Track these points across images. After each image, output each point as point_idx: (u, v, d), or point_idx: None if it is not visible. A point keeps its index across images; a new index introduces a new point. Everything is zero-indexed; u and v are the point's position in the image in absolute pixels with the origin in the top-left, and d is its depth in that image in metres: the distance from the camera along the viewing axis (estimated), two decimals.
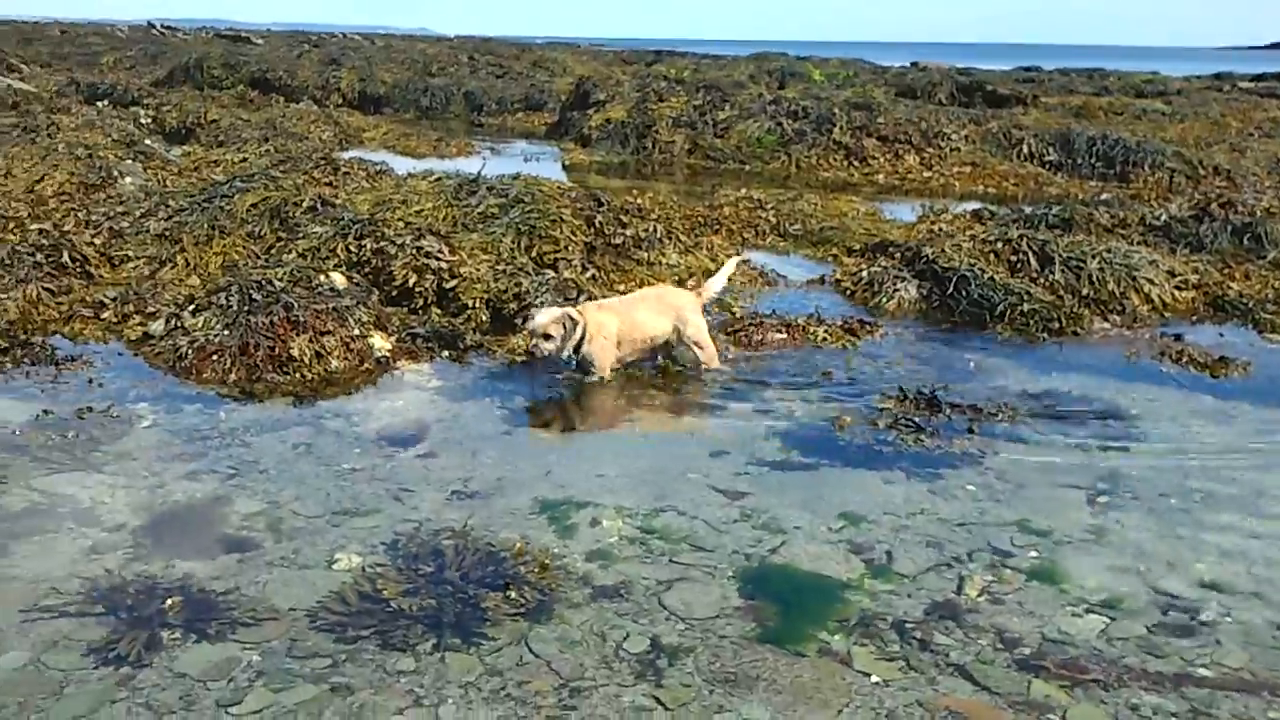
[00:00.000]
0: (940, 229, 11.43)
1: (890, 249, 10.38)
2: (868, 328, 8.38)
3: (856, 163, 17.64)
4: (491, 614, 4.26)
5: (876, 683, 3.94)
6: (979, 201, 14.94)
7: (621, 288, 8.92)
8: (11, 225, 10.35)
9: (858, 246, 11.00)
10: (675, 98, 19.80)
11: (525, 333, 7.03)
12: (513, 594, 4.38)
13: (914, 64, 35.92)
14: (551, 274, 8.64)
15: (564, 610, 4.35)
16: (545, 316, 6.89)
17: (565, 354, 6.94)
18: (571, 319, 6.90)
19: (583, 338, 6.93)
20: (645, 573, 4.68)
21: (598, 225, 9.67)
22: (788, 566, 4.79)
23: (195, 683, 3.82)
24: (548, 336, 6.84)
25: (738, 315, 8.57)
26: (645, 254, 9.62)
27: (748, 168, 17.96)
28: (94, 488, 5.41)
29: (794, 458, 6.01)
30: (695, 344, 7.34)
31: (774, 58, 39.78)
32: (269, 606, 4.32)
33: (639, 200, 10.44)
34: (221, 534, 4.97)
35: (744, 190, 13.27)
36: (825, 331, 8.15)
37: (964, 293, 9.04)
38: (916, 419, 6.48)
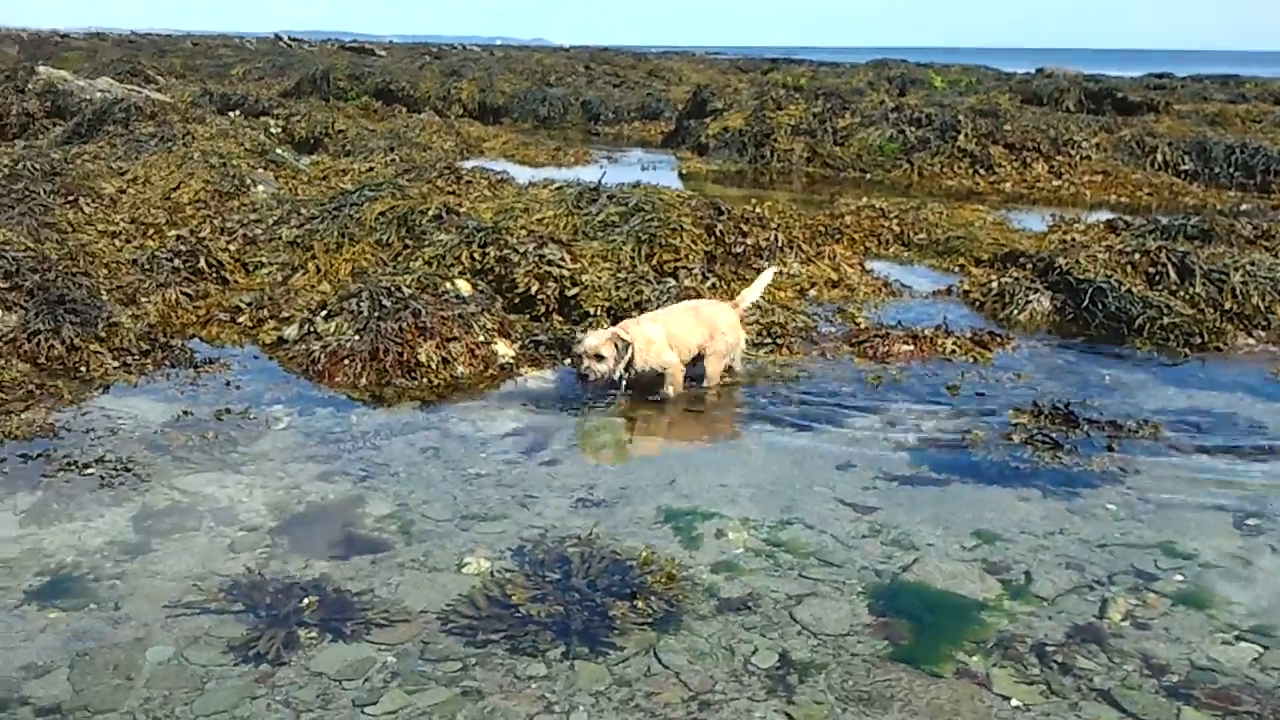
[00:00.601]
0: (1073, 239, 11.09)
1: (1021, 259, 10.12)
2: (999, 340, 8.16)
3: (982, 171, 17.27)
4: (619, 623, 4.25)
5: (1017, 706, 3.81)
6: (1111, 211, 14.48)
7: None
8: (151, 231, 10.77)
9: (986, 257, 10.75)
10: (794, 105, 19.66)
11: (575, 356, 6.82)
12: (640, 603, 4.36)
13: (1039, 70, 35.05)
14: (672, 282, 8.63)
15: (691, 621, 4.31)
16: (596, 338, 6.74)
17: (617, 375, 6.78)
18: (622, 339, 6.75)
19: (632, 358, 6.79)
20: (773, 586, 4.62)
21: (718, 234, 9.63)
22: (920, 584, 4.67)
23: (332, 682, 3.90)
24: (599, 358, 6.67)
25: (862, 326, 8.44)
26: (766, 263, 9.53)
27: (868, 176, 17.73)
28: (232, 487, 5.56)
29: (924, 472, 5.88)
30: (713, 354, 7.19)
31: (893, 64, 39.23)
32: (402, 608, 4.38)
33: (759, 209, 10.37)
34: (355, 535, 5.06)
35: (865, 199, 13.07)
36: (954, 343, 7.96)
37: (1100, 305, 8.74)
38: (1053, 435, 6.28)
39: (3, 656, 4.01)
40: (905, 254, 11.41)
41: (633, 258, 9.11)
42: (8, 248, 8.70)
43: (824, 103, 19.74)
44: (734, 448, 6.36)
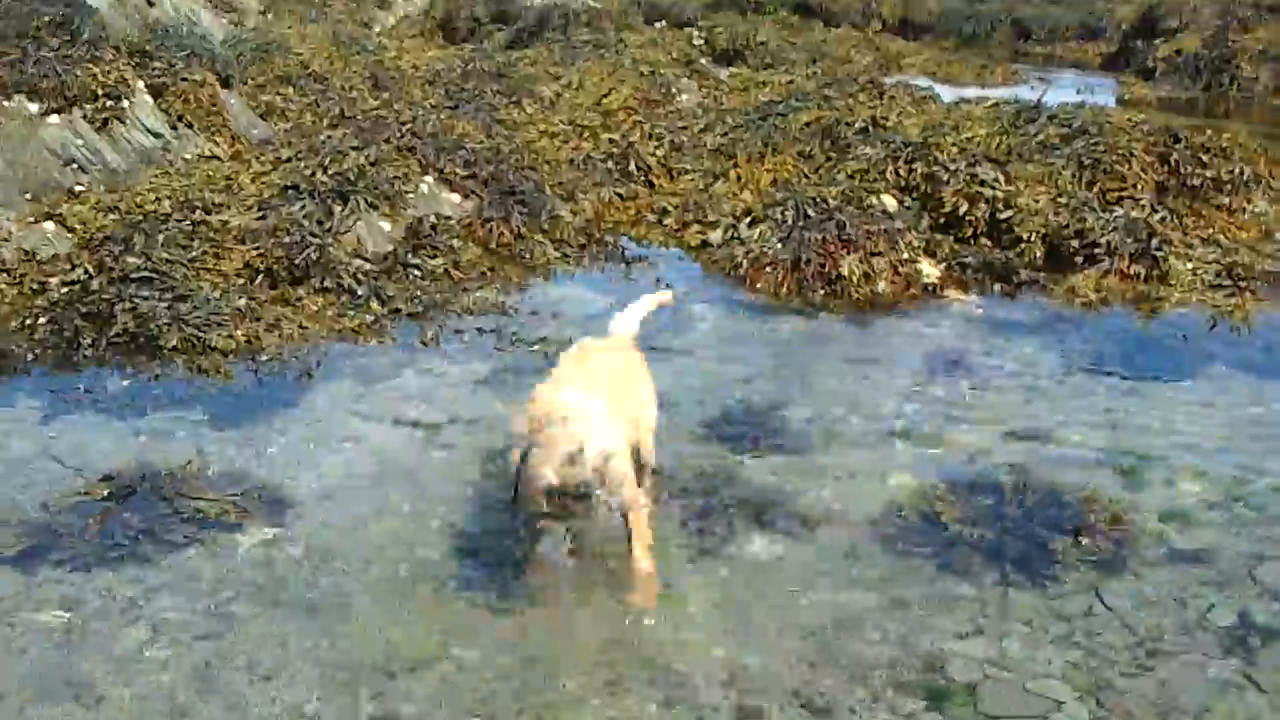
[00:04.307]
0: None
1: None
2: None
3: None
4: (1059, 557, 4.03)
5: None
6: None
7: (1198, 234, 8.05)
8: (586, 133, 11.32)
9: None
10: (1265, 28, 17.46)
11: (540, 489, 3.63)
12: (1083, 541, 4.10)
13: None
14: (1119, 211, 7.96)
15: (1138, 567, 4.01)
16: (594, 451, 3.62)
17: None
18: (605, 446, 3.70)
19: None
20: (1230, 543, 4.21)
21: (1173, 164, 8.76)
22: None
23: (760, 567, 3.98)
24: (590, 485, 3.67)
25: None
26: (1227, 199, 8.59)
27: None
28: (662, 377, 5.72)
29: None
30: (650, 429, 4.71)
31: None
32: (825, 510, 4.39)
33: (1222, 140, 9.31)
34: (779, 436, 5.12)
35: None
36: None
37: None
38: None
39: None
40: None
41: (1072, 183, 8.49)
42: (467, 140, 9.49)
43: None
44: (1187, 390, 5.72)
